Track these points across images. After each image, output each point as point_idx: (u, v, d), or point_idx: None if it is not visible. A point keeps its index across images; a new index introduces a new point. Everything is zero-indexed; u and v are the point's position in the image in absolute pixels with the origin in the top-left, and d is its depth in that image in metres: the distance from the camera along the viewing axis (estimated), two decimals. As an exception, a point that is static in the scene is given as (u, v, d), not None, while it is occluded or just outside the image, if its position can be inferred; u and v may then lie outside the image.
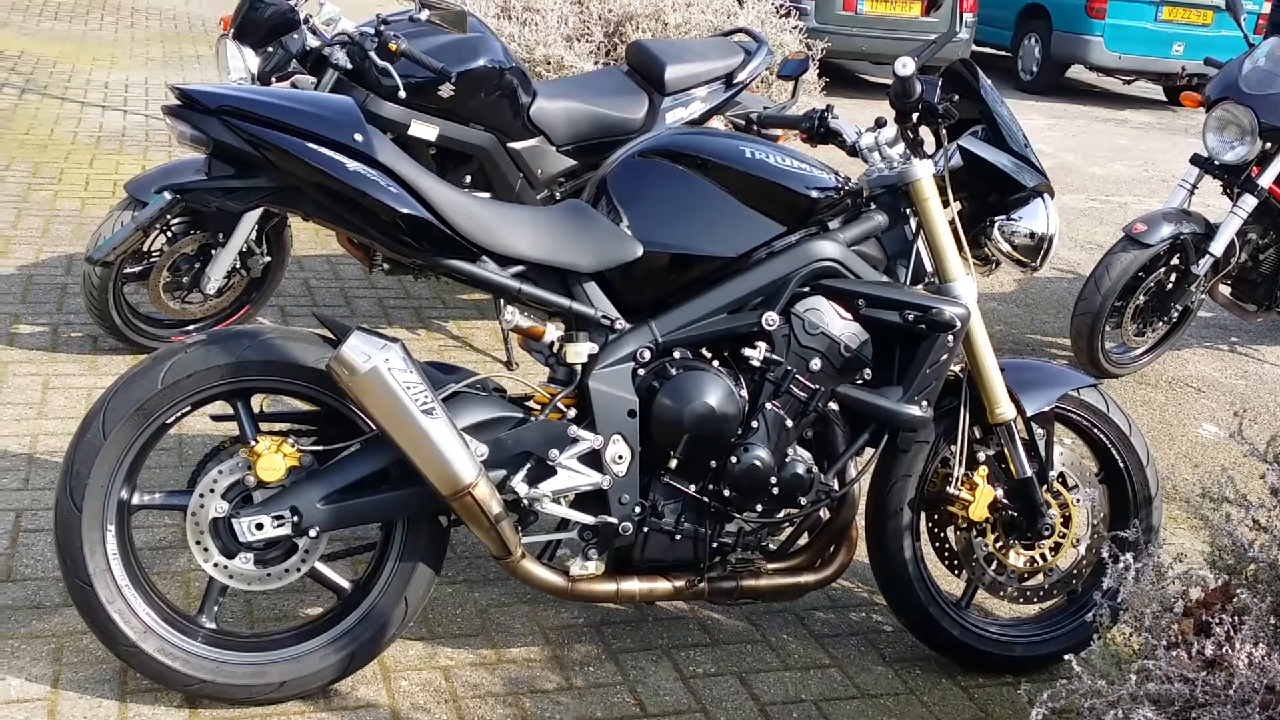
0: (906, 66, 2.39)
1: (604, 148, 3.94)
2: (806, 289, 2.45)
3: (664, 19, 6.84)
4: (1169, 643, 1.93)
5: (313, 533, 2.30)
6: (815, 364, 2.44)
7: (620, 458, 2.39)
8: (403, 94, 3.64)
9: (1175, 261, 4.56)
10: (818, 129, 2.56)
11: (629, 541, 2.44)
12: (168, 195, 3.46)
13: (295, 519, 2.27)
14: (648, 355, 2.41)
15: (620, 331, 2.41)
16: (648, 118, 4.10)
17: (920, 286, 2.55)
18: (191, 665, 2.32)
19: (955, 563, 2.78)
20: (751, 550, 2.55)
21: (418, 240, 2.26)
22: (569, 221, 2.40)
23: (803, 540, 2.71)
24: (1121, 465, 2.77)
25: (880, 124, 2.51)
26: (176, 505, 2.37)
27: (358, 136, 2.18)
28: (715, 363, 2.46)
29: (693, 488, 2.44)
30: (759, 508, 2.48)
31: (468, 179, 3.99)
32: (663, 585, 2.52)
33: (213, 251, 3.85)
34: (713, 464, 2.43)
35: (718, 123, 4.22)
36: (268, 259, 4.01)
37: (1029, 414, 2.64)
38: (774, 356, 2.42)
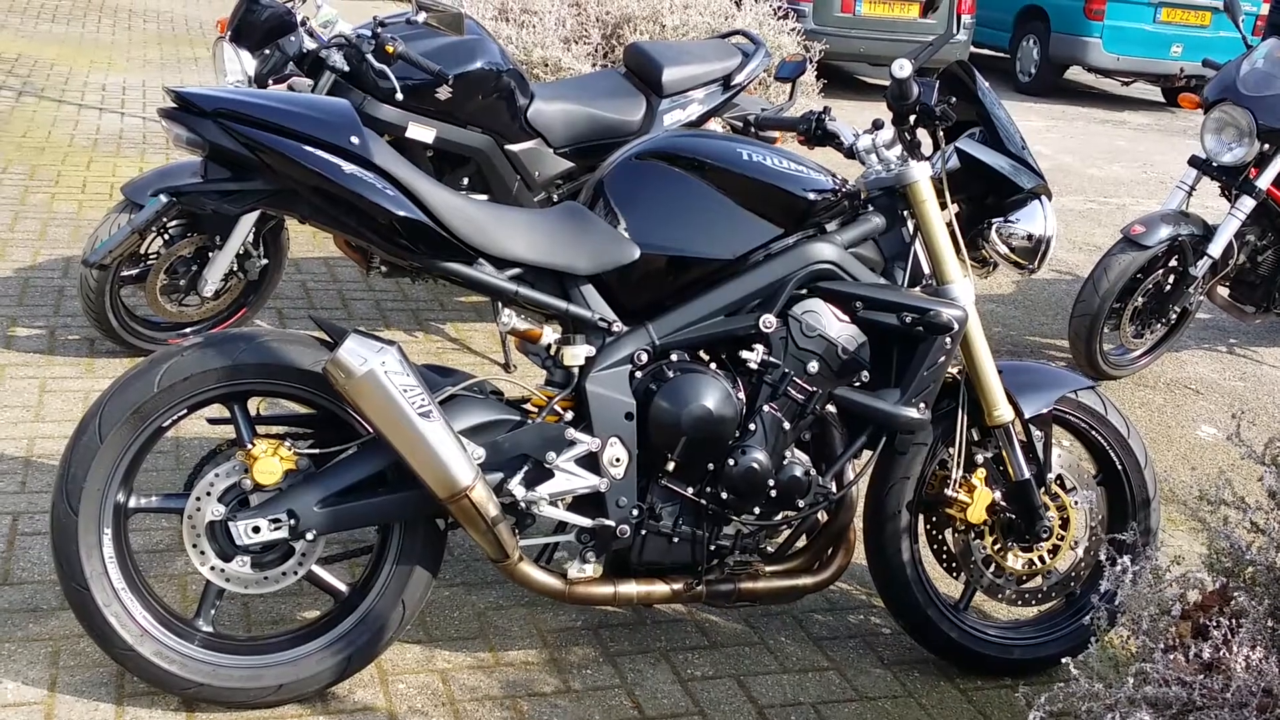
0: (904, 68, 2.39)
1: (601, 150, 3.94)
2: (804, 291, 2.45)
3: (662, 21, 6.85)
4: (1167, 645, 1.93)
5: (310, 536, 2.29)
6: (813, 366, 2.43)
7: (618, 460, 2.39)
8: (400, 96, 3.64)
9: (1173, 263, 4.56)
10: (815, 131, 2.56)
11: (626, 544, 2.44)
12: (164, 198, 3.44)
13: (292, 522, 2.27)
14: (645, 358, 2.41)
15: (617, 334, 2.41)
16: (645, 120, 4.10)
17: (918, 289, 2.55)
18: (188, 668, 2.31)
19: (953, 565, 2.78)
20: (749, 553, 2.55)
21: (414, 243, 2.25)
22: (566, 224, 2.40)
23: (801, 543, 2.70)
24: (1119, 467, 2.76)
25: (878, 126, 2.51)
26: (173, 508, 2.36)
27: (354, 139, 2.18)
28: (713, 365, 2.45)
29: (690, 490, 2.44)
30: (757, 510, 2.48)
31: (465, 181, 3.99)
32: (660, 588, 2.52)
33: (210, 254, 3.84)
34: (710, 466, 2.43)
35: (715, 125, 4.23)
36: (265, 261, 4.01)
37: (1027, 416, 2.64)
38: (771, 359, 2.42)
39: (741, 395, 2.42)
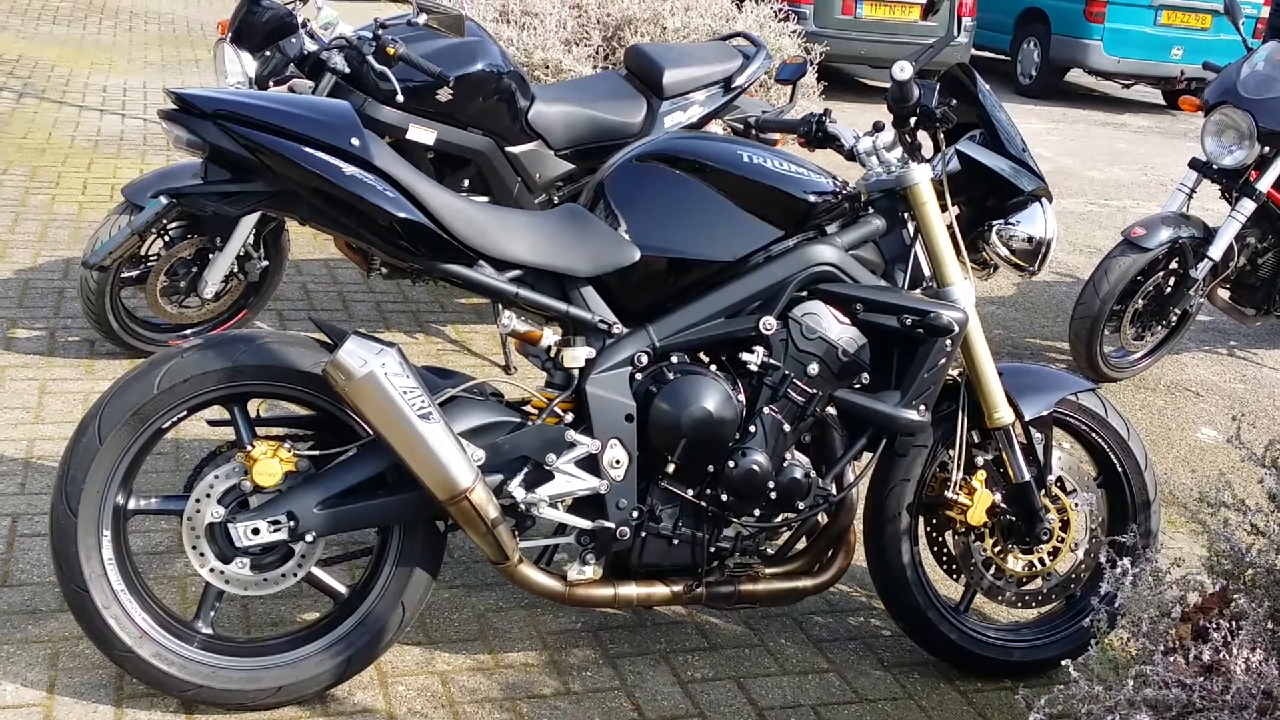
0: (904, 70, 2.39)
1: (602, 152, 3.94)
2: (804, 293, 2.45)
3: (662, 23, 6.85)
4: (1166, 648, 1.93)
5: (309, 538, 2.29)
6: (813, 368, 2.43)
7: (618, 462, 2.39)
8: (400, 98, 3.64)
9: (1174, 265, 4.56)
10: (815, 133, 2.56)
11: (626, 546, 2.44)
12: (164, 199, 3.45)
13: (291, 524, 2.27)
14: (645, 360, 2.41)
15: (618, 336, 2.41)
16: (646, 122, 4.10)
17: (918, 291, 2.55)
18: (188, 670, 2.31)
19: (953, 567, 2.77)
20: (749, 555, 2.55)
21: (415, 245, 2.25)
22: (566, 226, 2.40)
23: (801, 545, 2.70)
24: (1120, 469, 2.76)
25: (878, 128, 2.51)
26: (173, 510, 2.36)
27: (354, 141, 2.18)
28: (713, 367, 2.45)
29: (690, 492, 2.44)
30: (757, 512, 2.48)
31: (466, 183, 3.99)
32: (660, 590, 2.52)
33: (210, 256, 3.85)
34: (710, 469, 2.42)
35: (716, 127, 4.23)
36: (265, 263, 4.01)
37: (1027, 418, 2.64)
38: (772, 361, 2.42)
39: (742, 397, 2.42)
